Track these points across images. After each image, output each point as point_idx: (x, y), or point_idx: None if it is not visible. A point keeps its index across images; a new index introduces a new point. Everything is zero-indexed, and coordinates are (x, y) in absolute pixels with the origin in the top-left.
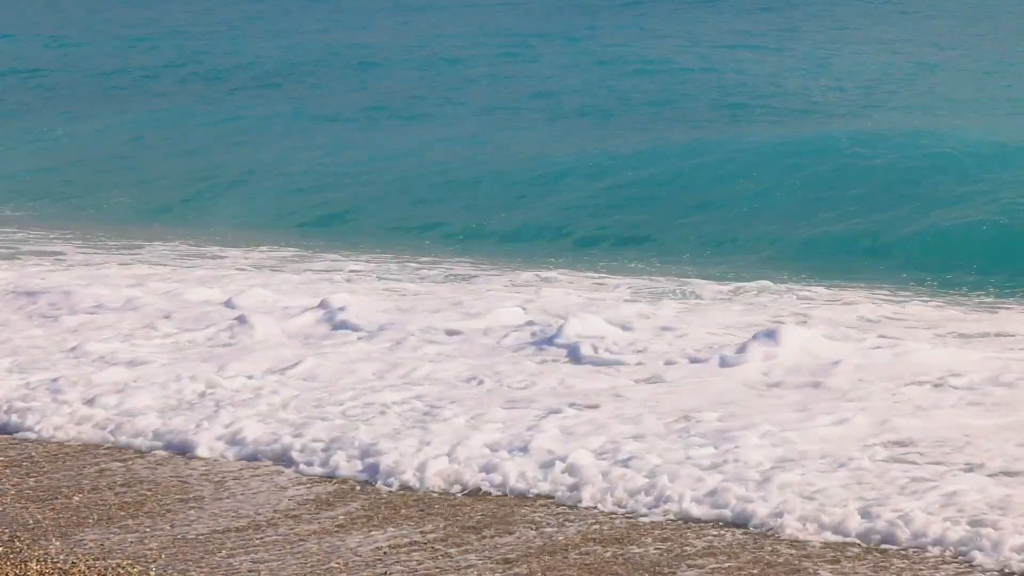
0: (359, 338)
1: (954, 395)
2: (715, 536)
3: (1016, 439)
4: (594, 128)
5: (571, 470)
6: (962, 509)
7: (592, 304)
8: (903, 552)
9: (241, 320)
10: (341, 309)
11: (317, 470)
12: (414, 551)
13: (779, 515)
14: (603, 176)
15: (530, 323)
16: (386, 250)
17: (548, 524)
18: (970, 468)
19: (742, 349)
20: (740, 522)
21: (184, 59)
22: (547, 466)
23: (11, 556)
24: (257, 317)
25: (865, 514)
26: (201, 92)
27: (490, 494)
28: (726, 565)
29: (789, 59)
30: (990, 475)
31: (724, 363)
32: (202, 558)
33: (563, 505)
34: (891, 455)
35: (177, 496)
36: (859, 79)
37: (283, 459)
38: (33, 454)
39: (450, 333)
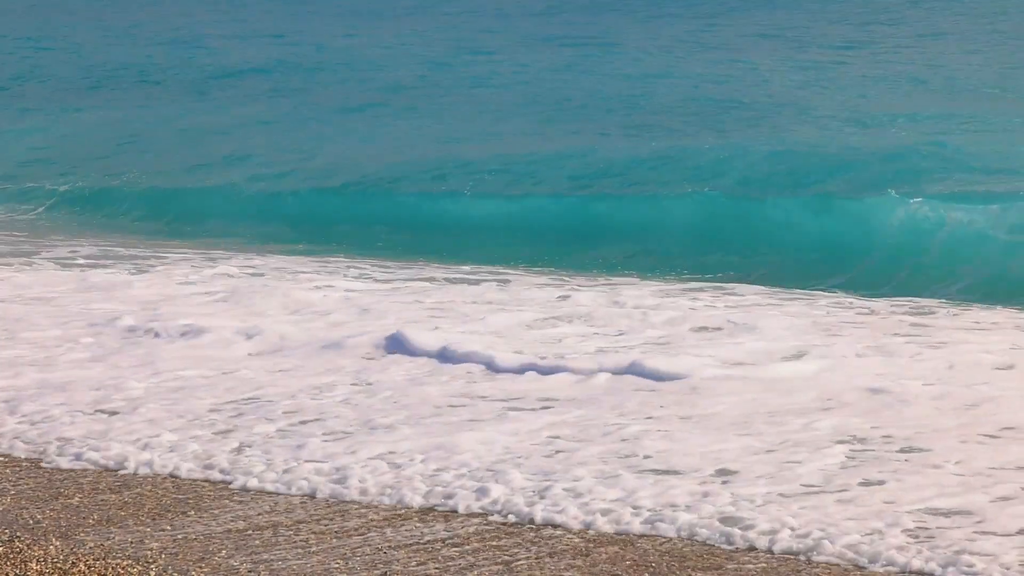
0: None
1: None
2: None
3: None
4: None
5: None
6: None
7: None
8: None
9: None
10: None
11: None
12: (414, 552)
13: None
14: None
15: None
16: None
17: (547, 527)
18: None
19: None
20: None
21: (180, 58)
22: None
23: (11, 556)
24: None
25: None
26: (199, 90)
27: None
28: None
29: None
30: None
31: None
32: (202, 558)
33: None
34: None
35: (177, 497)
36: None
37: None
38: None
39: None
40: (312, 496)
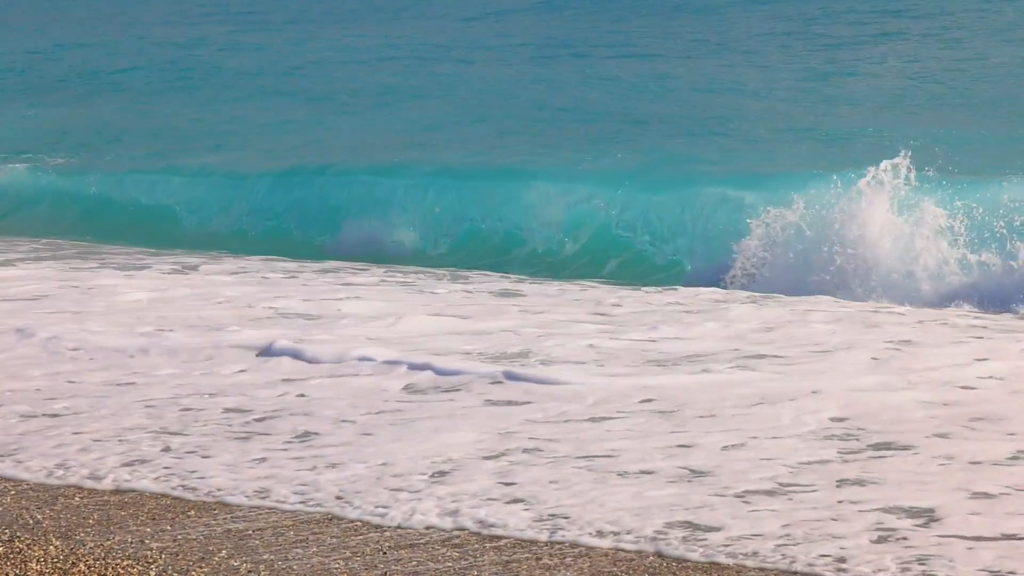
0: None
1: None
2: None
3: None
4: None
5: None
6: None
7: None
8: None
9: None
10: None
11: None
12: (415, 552)
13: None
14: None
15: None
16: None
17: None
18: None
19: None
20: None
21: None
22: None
23: (11, 556)
24: None
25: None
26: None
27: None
28: None
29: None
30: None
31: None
32: (202, 559)
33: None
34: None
35: (177, 496)
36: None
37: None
38: None
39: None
40: (303, 504)
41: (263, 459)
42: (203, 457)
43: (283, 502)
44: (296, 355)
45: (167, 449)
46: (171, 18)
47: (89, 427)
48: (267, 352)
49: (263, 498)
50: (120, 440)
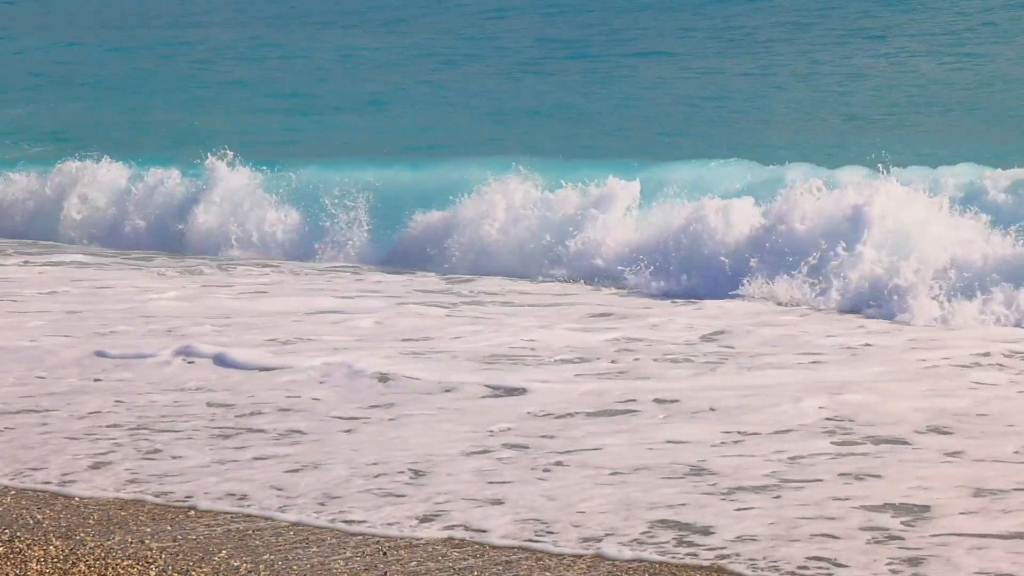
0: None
1: None
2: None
3: None
4: None
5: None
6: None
7: None
8: None
9: None
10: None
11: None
12: (415, 552)
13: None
14: None
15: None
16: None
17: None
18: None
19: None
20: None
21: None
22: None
23: (11, 556)
24: None
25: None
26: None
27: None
28: None
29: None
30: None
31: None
32: (202, 559)
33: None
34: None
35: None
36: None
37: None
38: None
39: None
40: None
41: (240, 461)
42: (174, 458)
43: (267, 508)
44: (215, 358)
45: (139, 451)
46: (170, 18)
47: (65, 428)
48: (184, 352)
49: (248, 504)
50: (93, 440)
